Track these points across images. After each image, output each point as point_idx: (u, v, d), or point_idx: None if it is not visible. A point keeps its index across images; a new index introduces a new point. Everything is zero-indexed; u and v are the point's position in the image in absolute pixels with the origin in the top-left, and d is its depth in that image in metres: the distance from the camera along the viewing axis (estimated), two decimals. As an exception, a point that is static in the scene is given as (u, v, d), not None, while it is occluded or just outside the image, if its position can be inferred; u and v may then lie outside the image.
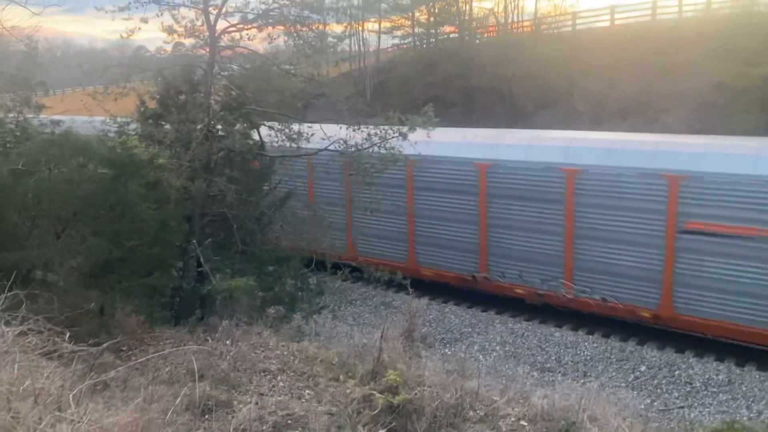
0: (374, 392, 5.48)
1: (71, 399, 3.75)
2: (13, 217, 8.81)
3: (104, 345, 5.50)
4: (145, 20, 10.19)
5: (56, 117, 11.55)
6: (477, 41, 37.33)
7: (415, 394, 5.87)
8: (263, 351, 7.93)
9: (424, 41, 39.87)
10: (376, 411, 5.27)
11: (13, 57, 13.27)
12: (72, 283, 8.92)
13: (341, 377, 6.38)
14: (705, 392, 10.82)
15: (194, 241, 10.45)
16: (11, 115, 11.01)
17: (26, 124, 10.94)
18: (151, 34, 11.15)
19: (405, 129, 10.65)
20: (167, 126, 11.02)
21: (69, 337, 5.44)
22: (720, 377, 11.17)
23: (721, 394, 10.70)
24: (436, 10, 37.99)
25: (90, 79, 12.06)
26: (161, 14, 10.43)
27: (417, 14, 39.36)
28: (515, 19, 38.11)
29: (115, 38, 10.57)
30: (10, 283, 5.12)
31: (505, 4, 37.41)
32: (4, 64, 12.69)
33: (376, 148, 10.71)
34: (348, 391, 5.66)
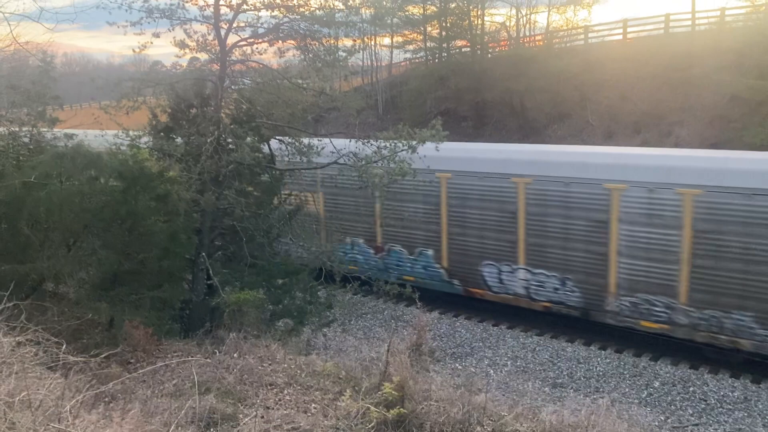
0: (370, 406, 5.42)
1: (69, 410, 3.74)
2: (25, 229, 8.89)
3: (104, 355, 5.49)
4: (157, 35, 10.28)
5: (69, 130, 11.67)
6: (489, 55, 37.36)
7: (421, 408, 5.80)
8: (270, 364, 7.92)
9: (436, 55, 39.98)
10: (371, 425, 5.20)
11: (29, 72, 13.46)
12: (82, 295, 8.98)
13: (348, 391, 6.33)
14: (720, 409, 10.62)
15: (204, 253, 10.48)
16: (25, 128, 11.14)
17: (40, 137, 11.07)
18: (167, 50, 11.28)
19: (414, 142, 10.64)
20: (178, 139, 11.09)
21: (74, 348, 5.45)
22: (735, 394, 10.97)
23: (736, 412, 10.50)
24: (448, 25, 38.10)
25: (104, 94, 12.20)
26: (173, 29, 10.54)
27: (429, 29, 39.51)
28: (527, 33, 38.17)
29: (131, 54, 10.62)
30: (8, 293, 5.11)
31: (517, 18, 37.52)
32: (21, 79, 12.85)
33: (385, 162, 10.71)
34: (343, 404, 5.61)
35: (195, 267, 10.79)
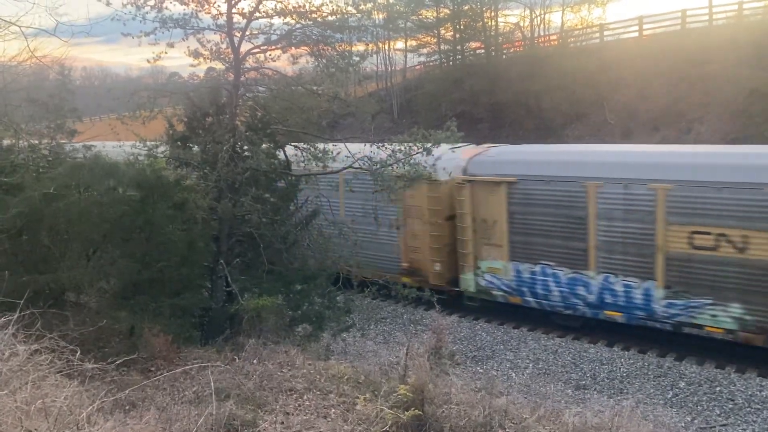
0: (384, 408, 5.37)
1: (86, 417, 3.74)
2: (45, 240, 8.98)
3: (119, 361, 5.50)
4: (171, 45, 10.36)
5: (88, 142, 11.82)
6: (504, 56, 37.25)
7: (441, 411, 5.74)
8: (290, 370, 7.90)
9: (450, 58, 39.94)
10: (386, 427, 5.15)
11: (47, 85, 13.66)
12: (103, 304, 9.05)
13: (366, 395, 6.30)
14: (748, 409, 10.40)
15: (222, 261, 10.52)
16: (44, 141, 11.29)
17: (59, 149, 11.21)
18: (183, 61, 11.36)
19: (429, 144, 10.59)
20: (194, 148, 11.17)
21: (94, 357, 5.47)
22: (764, 393, 10.74)
23: (765, 411, 10.28)
24: (462, 27, 38.06)
25: (121, 105, 12.33)
26: (186, 39, 10.62)
27: (442, 31, 39.49)
28: (542, 33, 37.97)
29: (149, 66, 10.65)
30: (23, 301, 5.14)
31: (531, 18, 37.36)
32: (39, 92, 13.05)
33: (400, 165, 10.68)
34: (359, 407, 5.57)
35: (213, 274, 10.84)
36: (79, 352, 4.78)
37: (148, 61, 10.48)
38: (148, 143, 11.63)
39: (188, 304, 9.88)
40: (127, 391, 5.24)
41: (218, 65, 11.48)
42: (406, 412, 5.27)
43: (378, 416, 5.41)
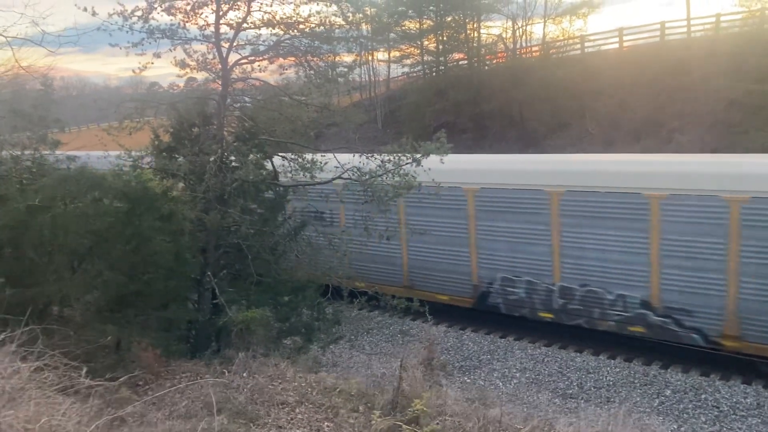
0: (400, 424, 5.33)
1: (86, 436, 3.68)
2: (30, 252, 8.83)
3: (122, 378, 5.41)
4: (158, 55, 10.30)
5: (72, 153, 11.66)
6: (486, 67, 37.57)
7: (437, 423, 5.72)
8: (281, 383, 7.83)
9: (434, 69, 40.19)
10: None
11: (29, 95, 13.48)
12: (89, 317, 8.91)
13: (361, 408, 6.25)
14: (733, 416, 10.51)
15: (209, 272, 10.42)
16: (27, 152, 11.13)
17: (42, 160, 11.05)
18: (163, 71, 11.34)
19: (419, 155, 10.61)
20: (181, 159, 11.08)
21: (85, 372, 5.38)
22: (748, 400, 10.87)
23: (750, 418, 10.39)
24: (445, 38, 38.35)
25: (105, 116, 12.21)
26: (173, 49, 10.57)
27: (426, 43, 39.74)
28: (524, 45, 38.36)
29: (128, 75, 10.65)
30: (26, 317, 5.04)
31: (514, 29, 37.74)
32: (21, 103, 12.86)
33: (390, 175, 10.68)
34: (372, 423, 5.52)
35: (201, 286, 10.73)
36: (85, 370, 4.69)
37: (134, 71, 10.42)
38: (133, 154, 11.52)
39: (175, 316, 9.78)
40: (128, 409, 5.16)
41: (203, 75, 11.44)
42: (424, 428, 5.23)
43: (375, 430, 5.38)
